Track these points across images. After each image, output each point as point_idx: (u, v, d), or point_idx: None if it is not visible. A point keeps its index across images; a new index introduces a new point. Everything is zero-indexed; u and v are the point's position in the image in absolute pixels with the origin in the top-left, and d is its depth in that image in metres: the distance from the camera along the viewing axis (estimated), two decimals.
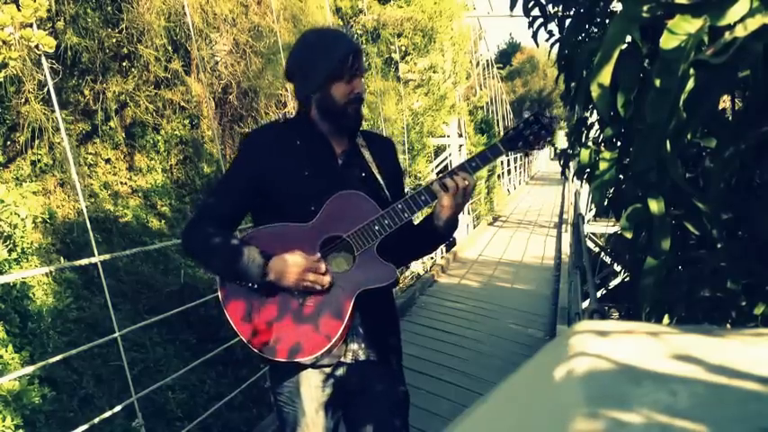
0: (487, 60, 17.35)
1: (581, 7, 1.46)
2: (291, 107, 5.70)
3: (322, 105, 1.41)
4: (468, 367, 3.96)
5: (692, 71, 0.71)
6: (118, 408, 2.37)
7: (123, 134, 5.74)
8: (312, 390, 1.44)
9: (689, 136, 0.86)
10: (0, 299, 3.78)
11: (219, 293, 1.39)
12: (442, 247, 7.88)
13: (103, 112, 5.26)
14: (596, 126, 1.61)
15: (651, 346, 0.34)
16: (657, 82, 0.72)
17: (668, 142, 0.77)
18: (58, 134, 4.63)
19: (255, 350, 1.35)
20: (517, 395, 0.36)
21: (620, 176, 1.26)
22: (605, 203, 1.36)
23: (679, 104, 0.72)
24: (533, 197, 17.75)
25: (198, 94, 6.18)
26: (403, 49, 7.57)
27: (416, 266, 7.11)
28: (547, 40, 1.83)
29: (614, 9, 1.35)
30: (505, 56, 46.93)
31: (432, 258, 7.43)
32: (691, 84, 0.72)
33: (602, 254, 7.52)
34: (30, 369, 2.34)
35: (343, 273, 1.38)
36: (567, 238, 8.10)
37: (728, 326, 1.30)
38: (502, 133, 1.53)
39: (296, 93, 1.46)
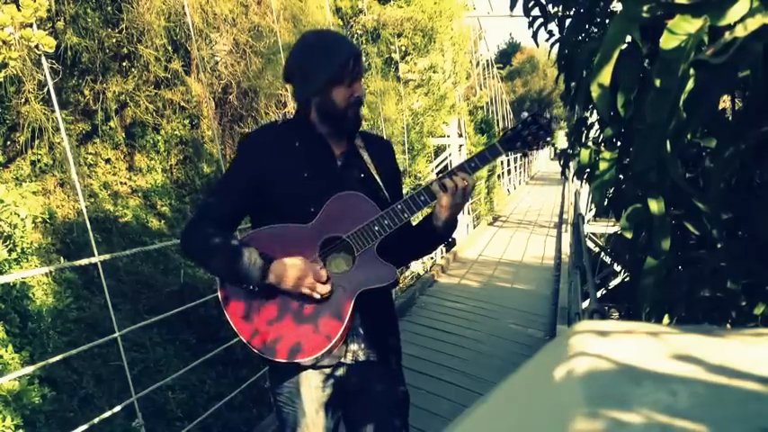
0: (487, 60, 17.35)
1: (581, 7, 1.46)
2: (291, 107, 5.70)
3: (322, 109, 1.41)
4: (468, 367, 3.96)
5: (692, 71, 0.71)
6: (118, 408, 2.37)
7: (123, 134, 5.74)
8: (312, 390, 1.44)
9: (689, 136, 0.86)
10: (0, 299, 3.78)
11: (219, 294, 1.39)
12: (442, 247, 7.88)
13: (103, 112, 5.26)
14: (596, 126, 1.61)
15: (651, 346, 0.34)
16: (657, 82, 0.72)
17: (668, 142, 0.77)
18: (58, 134, 4.63)
19: (256, 351, 1.35)
20: (517, 395, 0.36)
21: (620, 176, 1.26)
22: (605, 203, 1.36)
23: (679, 104, 0.72)
24: (533, 197, 17.75)
25: (198, 94, 6.19)
26: (403, 49, 7.57)
27: (416, 266, 7.11)
28: (547, 40, 1.83)
29: (614, 9, 1.35)
30: (505, 56, 46.94)
31: (432, 258, 7.43)
32: (691, 84, 0.72)
33: (602, 254, 7.52)
34: (30, 369, 2.34)
35: (343, 273, 1.38)
36: (567, 238, 8.10)
37: (728, 326, 1.30)
38: (501, 134, 1.53)
39: (295, 95, 1.46)
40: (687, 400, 0.28)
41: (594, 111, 1.36)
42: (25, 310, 3.92)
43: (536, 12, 1.67)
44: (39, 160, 4.88)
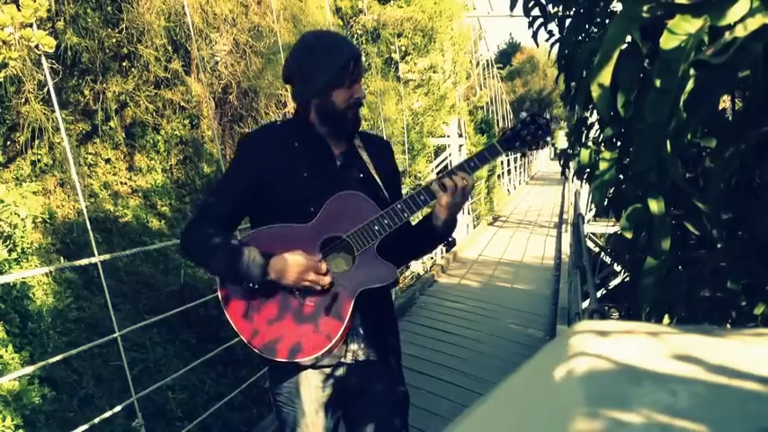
0: (487, 60, 17.34)
1: (581, 7, 1.46)
2: (291, 107, 5.70)
3: (321, 110, 1.41)
4: (468, 367, 3.96)
5: (692, 71, 0.71)
6: (118, 408, 2.37)
7: (123, 134, 5.74)
8: (312, 390, 1.44)
9: (689, 136, 0.86)
10: (0, 299, 3.78)
11: (219, 294, 1.39)
12: (442, 246, 7.87)
13: (103, 112, 5.26)
14: (596, 126, 1.61)
15: (651, 346, 0.34)
16: (657, 82, 0.72)
17: (668, 142, 0.77)
18: (58, 134, 4.63)
19: (256, 350, 1.35)
20: (517, 395, 0.36)
21: (620, 176, 1.26)
22: (605, 203, 1.36)
23: (679, 104, 0.72)
24: (533, 197, 17.75)
25: (198, 94, 6.19)
26: (403, 49, 7.57)
27: (416, 266, 7.11)
28: (547, 40, 1.83)
29: (614, 9, 1.35)
30: (505, 56, 46.94)
31: (432, 258, 7.43)
32: (691, 84, 0.72)
33: (602, 254, 7.52)
34: (30, 369, 2.34)
35: (343, 273, 1.38)
36: (567, 238, 8.10)
37: (728, 326, 1.30)
38: (500, 133, 1.53)
39: (294, 95, 1.46)
40: (687, 400, 0.28)
41: (594, 111, 1.36)
42: (25, 310, 3.92)
43: (536, 12, 1.67)
44: (39, 160, 4.88)
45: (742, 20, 0.64)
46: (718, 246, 1.18)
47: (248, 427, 3.69)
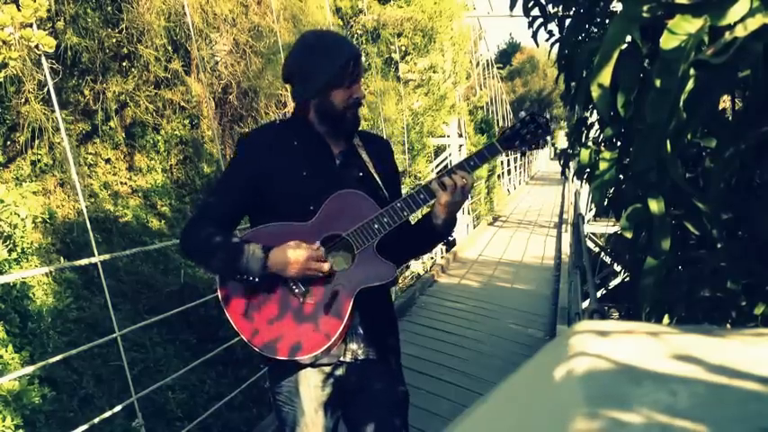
0: (487, 60, 17.34)
1: (581, 7, 1.46)
2: (291, 107, 5.69)
3: (320, 110, 1.41)
4: (469, 367, 3.96)
5: (692, 71, 0.71)
6: (118, 408, 2.37)
7: (123, 134, 5.74)
8: (311, 389, 1.44)
9: (689, 136, 0.86)
10: (0, 299, 3.78)
11: (219, 293, 1.39)
12: (442, 246, 7.88)
13: (103, 112, 5.26)
14: (596, 126, 1.61)
15: (651, 346, 0.34)
16: (657, 82, 0.72)
17: (668, 142, 0.77)
18: (58, 134, 4.63)
19: (256, 349, 1.35)
20: (517, 395, 0.36)
21: (620, 176, 1.26)
22: (605, 203, 1.36)
23: (679, 104, 0.72)
24: (533, 197, 17.75)
25: (198, 94, 6.19)
26: (403, 49, 7.57)
27: (416, 266, 7.11)
28: (547, 40, 1.83)
29: (614, 9, 1.35)
30: (505, 56, 46.94)
31: (432, 258, 7.43)
32: (691, 84, 0.72)
33: (602, 254, 7.52)
34: (30, 369, 2.34)
35: (343, 271, 1.38)
36: (567, 238, 8.10)
37: (728, 326, 1.30)
38: (500, 133, 1.53)
39: (294, 95, 1.46)
40: (687, 400, 0.28)
41: (594, 111, 1.36)
42: (25, 310, 3.92)
43: (536, 12, 1.67)
44: (39, 160, 4.88)
45: (742, 20, 0.64)
46: (718, 246, 1.18)
47: (248, 427, 3.69)
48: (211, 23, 5.33)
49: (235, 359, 4.48)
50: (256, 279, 1.32)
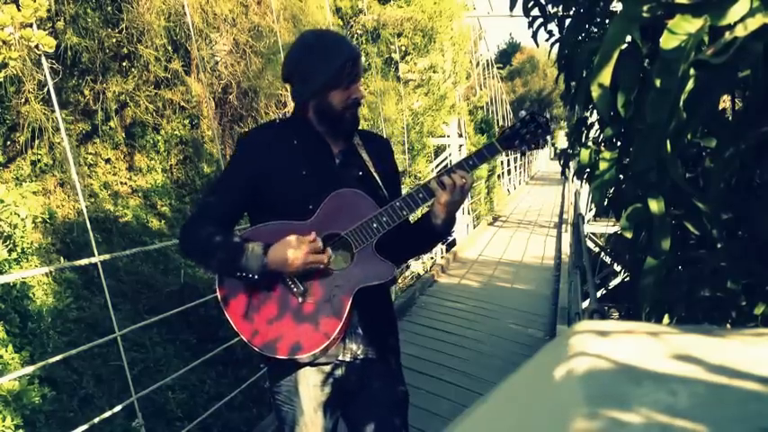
0: (487, 60, 17.34)
1: (581, 7, 1.46)
2: (291, 107, 5.69)
3: (319, 110, 1.41)
4: (469, 367, 3.96)
5: (692, 71, 0.71)
6: (118, 408, 2.37)
7: (123, 134, 5.74)
8: (310, 389, 1.44)
9: (689, 136, 0.86)
10: (0, 299, 3.78)
11: (219, 294, 1.39)
12: (443, 246, 7.88)
13: (103, 112, 5.26)
14: (596, 126, 1.61)
15: (651, 346, 0.34)
16: (657, 82, 0.72)
17: (668, 142, 0.77)
18: (58, 134, 4.63)
19: (256, 349, 1.35)
20: (517, 395, 0.36)
21: (620, 176, 1.26)
22: (605, 203, 1.36)
23: (679, 104, 0.72)
24: (533, 197, 17.75)
25: (198, 94, 6.19)
26: (403, 49, 7.57)
27: (416, 266, 7.11)
28: (547, 40, 1.83)
29: (614, 9, 1.35)
30: (505, 56, 46.94)
31: (432, 258, 7.43)
32: (691, 84, 0.72)
33: (602, 254, 7.52)
34: (30, 369, 2.34)
35: (342, 270, 1.38)
36: (567, 238, 8.10)
37: (728, 326, 1.30)
38: (500, 132, 1.53)
39: (293, 95, 1.46)
40: (687, 400, 0.28)
41: (594, 111, 1.36)
42: (25, 310, 3.92)
43: (536, 12, 1.67)
44: (39, 160, 4.88)
45: (742, 20, 0.64)
46: (718, 246, 1.18)
47: (248, 427, 3.69)
48: (211, 23, 5.33)
49: (235, 359, 4.48)
50: (256, 276, 1.32)
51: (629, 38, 0.81)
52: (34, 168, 4.87)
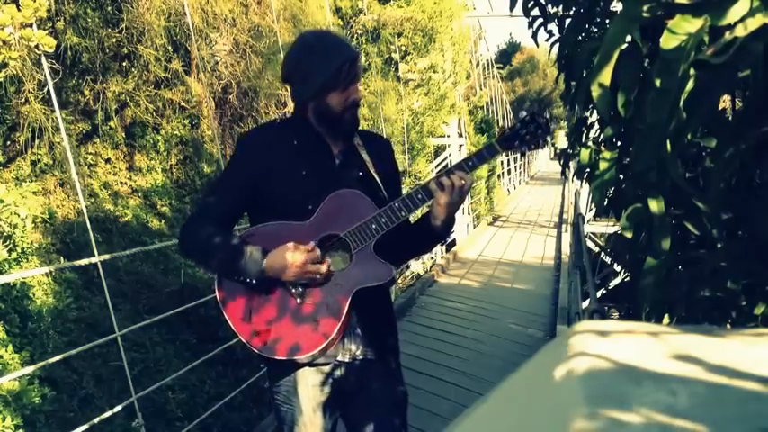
0: (487, 60, 17.34)
1: (581, 7, 1.46)
2: (291, 107, 5.68)
3: (318, 111, 1.41)
4: (469, 367, 3.96)
5: (692, 71, 0.71)
6: (118, 408, 2.37)
7: (123, 134, 5.74)
8: (309, 389, 1.44)
9: (689, 136, 0.86)
10: (0, 299, 3.78)
11: (217, 295, 1.39)
12: (442, 246, 7.88)
13: (103, 112, 5.26)
14: (596, 126, 1.61)
15: (651, 346, 0.34)
16: (657, 82, 0.72)
17: (668, 142, 0.77)
18: (58, 134, 4.63)
19: (255, 350, 1.35)
20: (517, 395, 0.36)
21: (620, 176, 1.26)
22: (605, 203, 1.36)
23: (679, 104, 0.72)
24: (533, 197, 17.75)
25: (198, 94, 6.19)
26: (403, 49, 7.57)
27: (416, 266, 7.11)
28: (547, 40, 1.83)
29: (614, 9, 1.35)
30: (505, 56, 46.93)
31: (432, 258, 7.43)
32: (691, 84, 0.72)
33: (602, 254, 7.52)
34: (30, 369, 2.34)
35: (341, 271, 1.38)
36: (567, 238, 8.10)
37: (728, 326, 1.30)
38: (500, 133, 1.53)
39: (293, 95, 1.46)
40: (687, 400, 0.28)
41: (594, 111, 1.36)
42: (25, 310, 3.92)
43: (536, 12, 1.67)
44: (39, 160, 4.88)
45: (742, 20, 0.64)
46: (718, 246, 1.18)
47: (248, 427, 3.68)
48: (211, 23, 5.33)
49: (235, 359, 4.48)
50: (254, 281, 1.32)
51: (629, 38, 0.81)
52: (34, 168, 4.87)
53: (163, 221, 5.86)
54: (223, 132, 6.35)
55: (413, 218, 1.54)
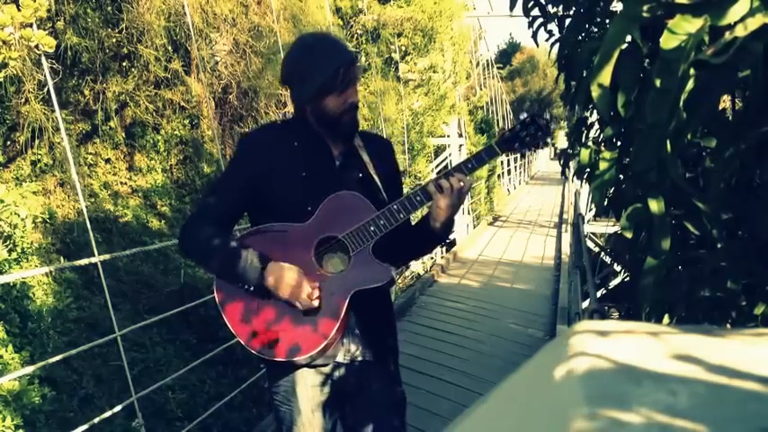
0: (487, 60, 17.34)
1: (581, 7, 1.46)
2: (291, 107, 5.68)
3: (316, 114, 1.41)
4: (469, 367, 3.95)
5: (692, 71, 0.71)
6: (118, 408, 2.37)
7: (123, 134, 5.74)
8: (308, 389, 1.44)
9: (689, 136, 0.86)
10: (0, 299, 3.78)
11: (216, 296, 1.39)
12: (442, 247, 7.88)
13: (103, 112, 5.26)
14: (596, 126, 1.61)
15: (651, 346, 0.34)
16: (657, 82, 0.72)
17: (668, 142, 0.77)
18: (58, 134, 4.63)
19: (254, 351, 1.36)
20: (517, 395, 0.36)
21: (620, 176, 1.26)
22: (605, 203, 1.36)
23: (679, 104, 0.72)
24: (533, 197, 17.75)
25: (198, 94, 6.19)
26: (403, 49, 7.57)
27: (416, 266, 7.11)
28: (547, 40, 1.83)
29: (614, 9, 1.35)
30: (505, 56, 46.93)
31: (432, 258, 7.43)
32: (691, 84, 0.72)
33: (602, 254, 7.52)
34: (30, 369, 2.34)
35: (339, 273, 1.38)
36: (567, 238, 8.10)
37: (728, 326, 1.30)
38: (499, 134, 1.53)
39: (292, 97, 1.46)
40: (687, 400, 0.28)
41: (594, 111, 1.36)
42: (25, 310, 3.92)
43: (536, 12, 1.67)
44: (39, 160, 4.88)
45: (742, 20, 0.64)
46: (719, 246, 1.18)
47: (248, 427, 3.68)
48: (211, 23, 5.33)
49: (235, 359, 4.48)
50: (251, 288, 1.32)
51: (629, 38, 0.81)
52: (34, 168, 4.87)
53: (163, 221, 5.86)
54: (223, 132, 6.35)
55: (413, 219, 1.54)
